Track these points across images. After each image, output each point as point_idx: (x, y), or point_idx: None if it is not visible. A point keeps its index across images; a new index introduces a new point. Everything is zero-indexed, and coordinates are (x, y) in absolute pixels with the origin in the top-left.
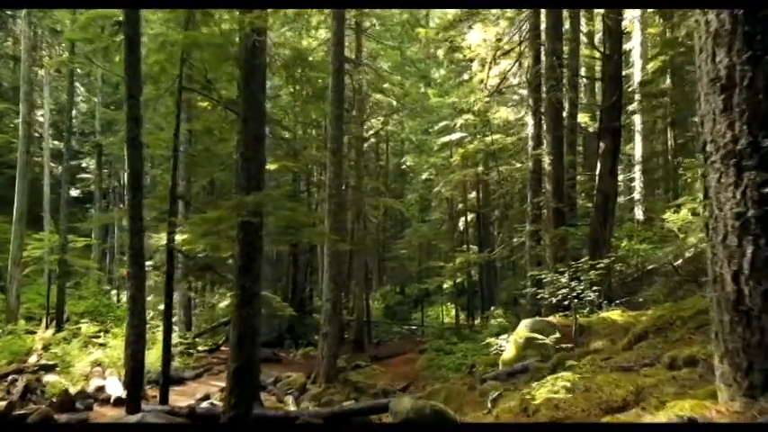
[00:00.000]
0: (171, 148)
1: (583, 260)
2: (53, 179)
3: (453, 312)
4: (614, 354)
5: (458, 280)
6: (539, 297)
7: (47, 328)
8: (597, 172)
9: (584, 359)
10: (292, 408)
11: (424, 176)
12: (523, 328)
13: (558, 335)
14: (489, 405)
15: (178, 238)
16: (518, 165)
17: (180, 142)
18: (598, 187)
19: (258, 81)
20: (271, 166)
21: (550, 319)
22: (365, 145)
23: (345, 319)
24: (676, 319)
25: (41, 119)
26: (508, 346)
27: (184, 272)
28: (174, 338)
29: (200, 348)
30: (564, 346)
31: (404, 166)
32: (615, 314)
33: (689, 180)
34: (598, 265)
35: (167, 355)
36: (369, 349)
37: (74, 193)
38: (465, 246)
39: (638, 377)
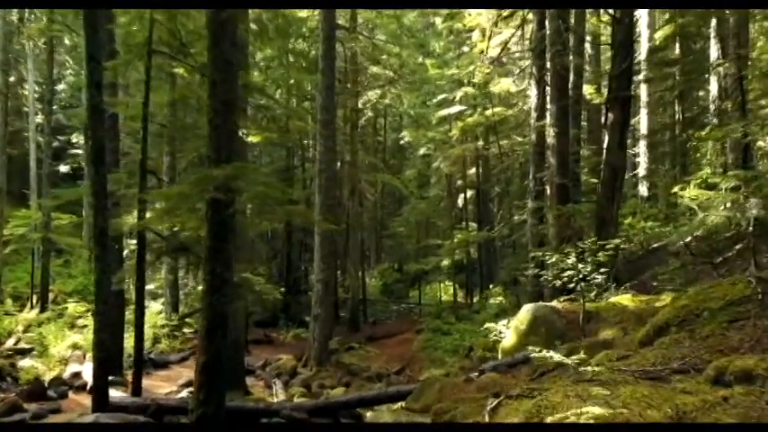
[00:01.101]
0: (140, 118)
1: (591, 240)
2: (42, 154)
3: (451, 290)
4: (631, 349)
5: (456, 257)
6: (541, 279)
7: (32, 308)
8: (605, 145)
9: (597, 356)
10: (281, 394)
11: (421, 151)
12: (525, 314)
13: (574, 350)
14: (487, 418)
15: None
16: (519, 139)
17: (155, 113)
18: (605, 161)
19: (228, 39)
20: (254, 139)
21: (554, 304)
22: (362, 120)
23: (341, 297)
24: (703, 310)
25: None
26: (508, 333)
27: (157, 253)
28: (160, 320)
29: (186, 330)
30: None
31: (402, 142)
32: (625, 299)
33: (698, 155)
34: (608, 246)
35: (140, 343)
36: (364, 329)
37: (63, 168)
38: (464, 223)
39: (674, 393)
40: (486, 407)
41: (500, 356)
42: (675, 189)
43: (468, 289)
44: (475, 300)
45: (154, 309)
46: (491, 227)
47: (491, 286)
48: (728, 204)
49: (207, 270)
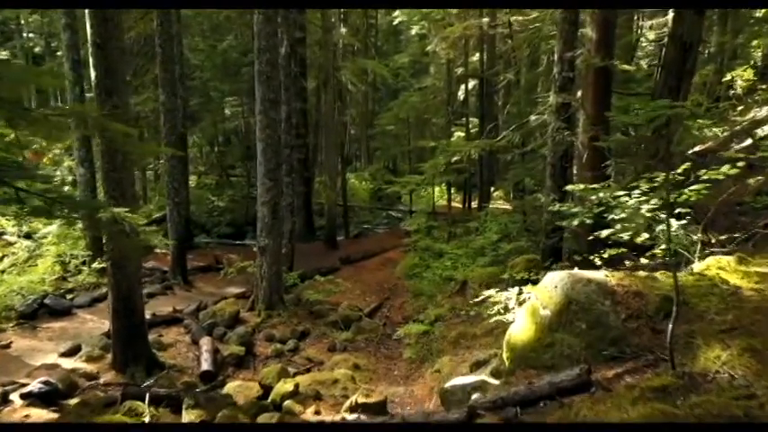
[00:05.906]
0: None
1: (683, 168)
2: None
3: (446, 196)
4: None
5: (453, 159)
6: (573, 223)
7: None
8: (671, 9)
9: None
10: (205, 362)
11: (414, 31)
12: (552, 290)
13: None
14: None
15: None
16: (535, 14)
17: None
18: (672, 32)
19: None
20: None
21: (601, 276)
22: None
23: (322, 204)
24: None
25: None
26: (521, 315)
27: None
28: (79, 248)
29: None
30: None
31: (396, 21)
32: (725, 266)
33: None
34: (703, 176)
35: None
36: (343, 246)
37: None
38: (464, 119)
39: None
40: None
41: (506, 358)
42: (729, 76)
43: (466, 192)
44: (473, 204)
45: (74, 234)
46: (495, 125)
47: (492, 190)
48: None
49: None
